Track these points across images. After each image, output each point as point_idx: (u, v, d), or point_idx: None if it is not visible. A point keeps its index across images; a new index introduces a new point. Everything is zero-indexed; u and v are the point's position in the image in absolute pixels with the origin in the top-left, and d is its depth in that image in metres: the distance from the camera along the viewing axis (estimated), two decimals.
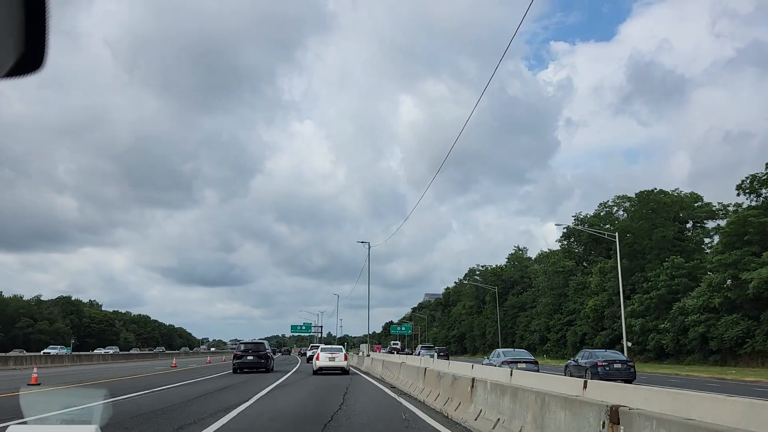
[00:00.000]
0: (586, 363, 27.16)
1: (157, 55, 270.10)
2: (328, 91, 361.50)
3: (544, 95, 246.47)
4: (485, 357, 36.11)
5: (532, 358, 30.13)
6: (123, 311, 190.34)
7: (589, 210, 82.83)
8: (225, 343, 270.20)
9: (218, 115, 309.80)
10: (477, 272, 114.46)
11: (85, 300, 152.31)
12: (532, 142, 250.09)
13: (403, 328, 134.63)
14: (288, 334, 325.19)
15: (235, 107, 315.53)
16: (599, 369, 25.76)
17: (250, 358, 32.64)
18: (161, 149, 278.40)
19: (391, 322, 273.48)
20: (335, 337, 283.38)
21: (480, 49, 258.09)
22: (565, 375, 25.76)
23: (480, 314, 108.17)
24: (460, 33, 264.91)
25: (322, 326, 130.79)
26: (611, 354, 29.26)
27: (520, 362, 27.09)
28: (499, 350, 32.15)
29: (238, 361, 32.71)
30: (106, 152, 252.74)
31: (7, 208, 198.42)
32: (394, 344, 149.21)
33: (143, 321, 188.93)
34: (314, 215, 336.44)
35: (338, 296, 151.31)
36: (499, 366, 24.69)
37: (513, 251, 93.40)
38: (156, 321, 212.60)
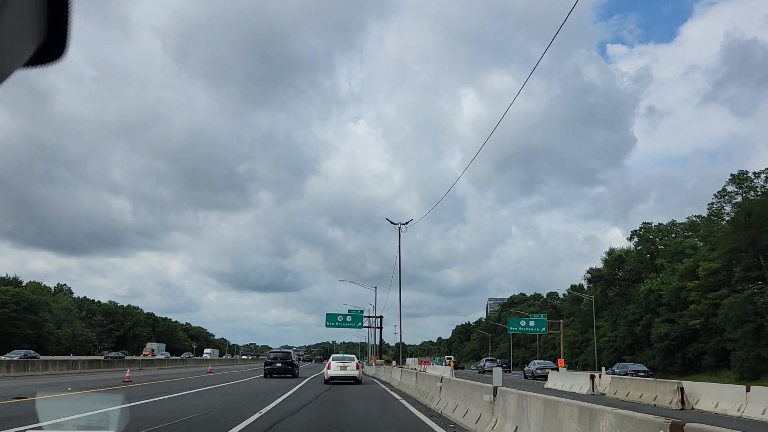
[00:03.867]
0: (619, 371, 38.66)
1: (209, 45, 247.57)
2: (386, 86, 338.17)
3: (620, 86, 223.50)
4: None
5: None
6: (95, 300, 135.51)
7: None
8: (270, 349, 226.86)
9: (273, 111, 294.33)
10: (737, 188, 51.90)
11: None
12: (606, 139, 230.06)
13: (532, 324, 72.78)
14: (338, 340, 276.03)
15: (290, 101, 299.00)
16: (629, 375, 35.01)
17: (278, 365, 35.98)
18: (215, 148, 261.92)
19: (468, 324, 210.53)
20: (390, 345, 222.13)
21: (553, 33, 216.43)
22: None
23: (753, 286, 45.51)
24: (533, 17, 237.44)
25: (382, 317, 70.31)
26: (637, 366, 42.44)
27: None
28: None
29: (268, 367, 36.20)
30: (160, 151, 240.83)
31: (65, 211, 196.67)
32: (448, 359, 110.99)
33: (121, 313, 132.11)
34: (369, 218, 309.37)
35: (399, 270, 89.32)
36: None
37: None
38: (152, 315, 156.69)
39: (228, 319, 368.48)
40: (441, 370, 48.48)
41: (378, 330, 70.03)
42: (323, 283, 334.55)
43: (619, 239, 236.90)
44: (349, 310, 73.98)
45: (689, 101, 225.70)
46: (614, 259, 70.94)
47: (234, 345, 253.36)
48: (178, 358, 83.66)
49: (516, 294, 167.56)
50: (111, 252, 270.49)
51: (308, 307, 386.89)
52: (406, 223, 55.09)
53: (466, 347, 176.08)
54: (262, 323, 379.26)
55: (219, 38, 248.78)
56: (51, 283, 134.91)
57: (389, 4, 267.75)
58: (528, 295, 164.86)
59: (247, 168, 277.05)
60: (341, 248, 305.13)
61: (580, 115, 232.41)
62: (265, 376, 35.29)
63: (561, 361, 68.71)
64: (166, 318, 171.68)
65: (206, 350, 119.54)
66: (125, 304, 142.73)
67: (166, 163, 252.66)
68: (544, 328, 70.71)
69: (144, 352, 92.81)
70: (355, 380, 30.43)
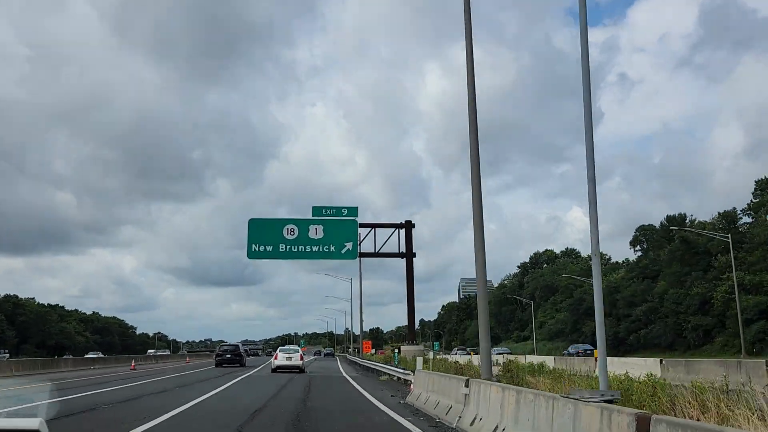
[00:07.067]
0: (573, 351, 52.27)
1: (152, 12, 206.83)
2: (347, 61, 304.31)
3: (590, 57, 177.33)
4: None
5: None
6: None
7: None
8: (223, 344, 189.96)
9: (227, 88, 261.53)
10: None
11: None
12: (575, 112, 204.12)
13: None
14: (300, 331, 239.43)
15: (245, 76, 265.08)
16: (580, 354, 46.90)
17: (228, 356, 43.78)
18: (166, 132, 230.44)
19: (468, 297, 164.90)
20: (356, 334, 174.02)
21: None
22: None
23: None
24: None
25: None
26: (585, 346, 54.54)
27: None
28: None
29: (219, 358, 44.08)
30: (105, 138, 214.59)
31: (5, 207, 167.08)
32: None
33: None
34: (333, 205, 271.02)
35: None
36: None
37: None
38: (14, 297, 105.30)
39: (188, 317, 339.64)
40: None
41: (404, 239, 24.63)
42: (284, 274, 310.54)
43: (580, 219, 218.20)
44: (315, 208, 27.44)
45: (660, 69, 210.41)
46: None
47: (174, 340, 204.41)
48: None
49: (540, 251, 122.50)
50: (59, 250, 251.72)
51: (270, 300, 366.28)
52: None
53: (470, 328, 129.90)
54: (223, 319, 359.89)
55: (163, 3, 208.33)
56: None
57: None
58: (557, 252, 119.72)
59: (201, 154, 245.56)
60: None
61: (548, 87, 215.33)
62: (217, 365, 42.17)
63: None
64: (45, 305, 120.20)
65: None
66: None
67: (113, 150, 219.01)
68: None
69: None
70: (299, 369, 34.54)
